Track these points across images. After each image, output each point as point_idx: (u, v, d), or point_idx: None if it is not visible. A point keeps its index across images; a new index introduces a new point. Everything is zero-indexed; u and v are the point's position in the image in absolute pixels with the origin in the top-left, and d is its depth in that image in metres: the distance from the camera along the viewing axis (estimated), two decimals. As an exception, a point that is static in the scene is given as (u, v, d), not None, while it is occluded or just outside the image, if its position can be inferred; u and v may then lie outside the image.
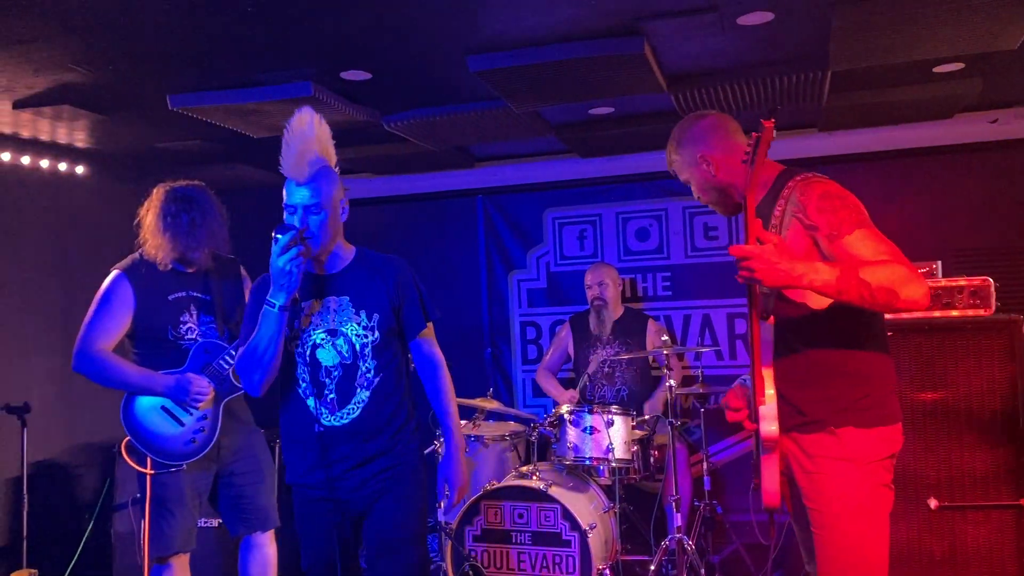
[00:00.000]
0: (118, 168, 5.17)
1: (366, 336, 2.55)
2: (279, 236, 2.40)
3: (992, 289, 3.49)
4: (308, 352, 2.55)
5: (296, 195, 2.49)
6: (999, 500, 3.41)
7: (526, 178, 5.57)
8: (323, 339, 2.55)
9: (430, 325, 2.71)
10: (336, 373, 2.54)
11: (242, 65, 3.50)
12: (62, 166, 4.85)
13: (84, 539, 4.58)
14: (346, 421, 2.53)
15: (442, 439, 2.86)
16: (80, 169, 4.97)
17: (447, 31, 3.21)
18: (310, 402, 2.54)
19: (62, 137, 4.48)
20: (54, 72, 3.42)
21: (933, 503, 3.44)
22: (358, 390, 2.54)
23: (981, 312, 3.47)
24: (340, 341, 2.55)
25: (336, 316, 2.56)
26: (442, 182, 5.68)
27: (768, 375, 2.08)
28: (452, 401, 2.75)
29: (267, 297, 2.44)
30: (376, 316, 2.56)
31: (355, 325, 2.55)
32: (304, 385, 2.56)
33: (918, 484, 3.47)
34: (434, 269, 5.81)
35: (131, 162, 5.10)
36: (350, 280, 2.59)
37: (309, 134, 2.50)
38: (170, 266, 3.12)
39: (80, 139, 4.54)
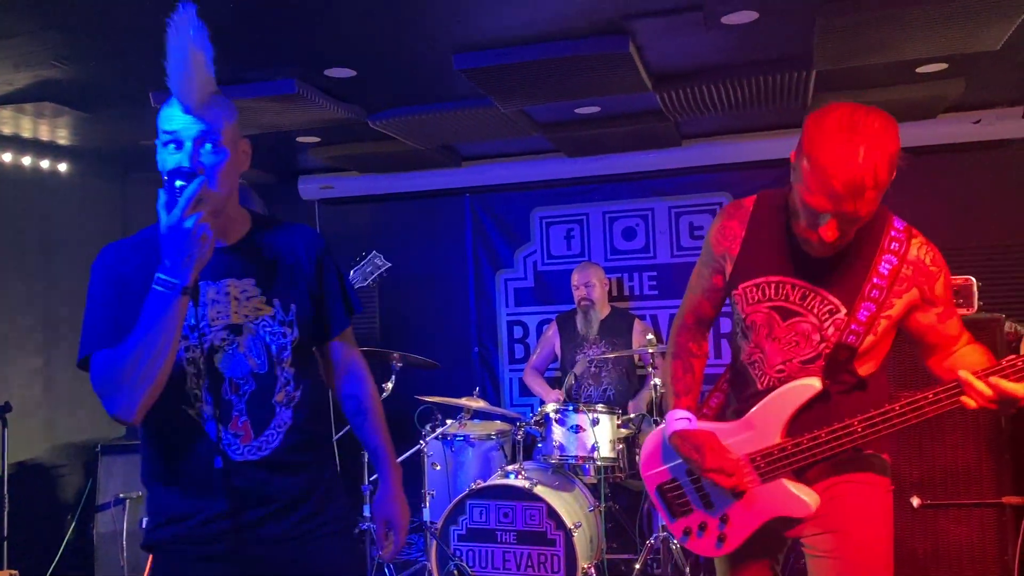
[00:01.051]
0: (101, 165, 5.13)
1: (284, 334, 1.86)
2: (178, 183, 1.66)
3: (975, 288, 3.51)
4: (203, 358, 1.79)
5: (181, 120, 1.76)
6: (981, 498, 3.43)
7: (513, 177, 5.56)
8: (224, 339, 1.81)
9: (351, 324, 2.08)
10: (246, 387, 1.82)
11: (225, 62, 3.46)
12: (44, 163, 4.81)
13: (65, 540, 4.54)
14: (265, 453, 1.81)
15: (377, 468, 2.09)
16: (63, 166, 4.93)
17: (433, 29, 3.21)
18: (209, 428, 1.79)
19: (44, 134, 4.44)
20: (35, 68, 3.39)
21: (916, 501, 3.46)
22: (278, 409, 1.84)
23: (964, 311, 3.49)
24: (248, 341, 1.83)
25: (240, 305, 1.83)
26: (429, 181, 5.67)
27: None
28: (384, 421, 2.10)
29: (158, 274, 1.65)
30: (294, 307, 1.88)
31: (268, 319, 1.85)
32: (201, 405, 1.79)
33: (901, 482, 3.49)
34: (421, 268, 5.80)
35: (115, 159, 5.06)
36: (252, 256, 1.88)
37: (198, 47, 1.83)
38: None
39: (62, 136, 4.51)
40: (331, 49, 3.39)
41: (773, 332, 1.99)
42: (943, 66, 3.81)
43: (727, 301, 2.17)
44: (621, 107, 4.37)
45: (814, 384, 1.94)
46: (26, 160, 4.70)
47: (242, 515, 1.80)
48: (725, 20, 3.15)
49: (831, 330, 1.92)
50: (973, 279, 3.52)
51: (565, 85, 3.71)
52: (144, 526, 1.91)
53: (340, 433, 4.22)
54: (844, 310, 1.91)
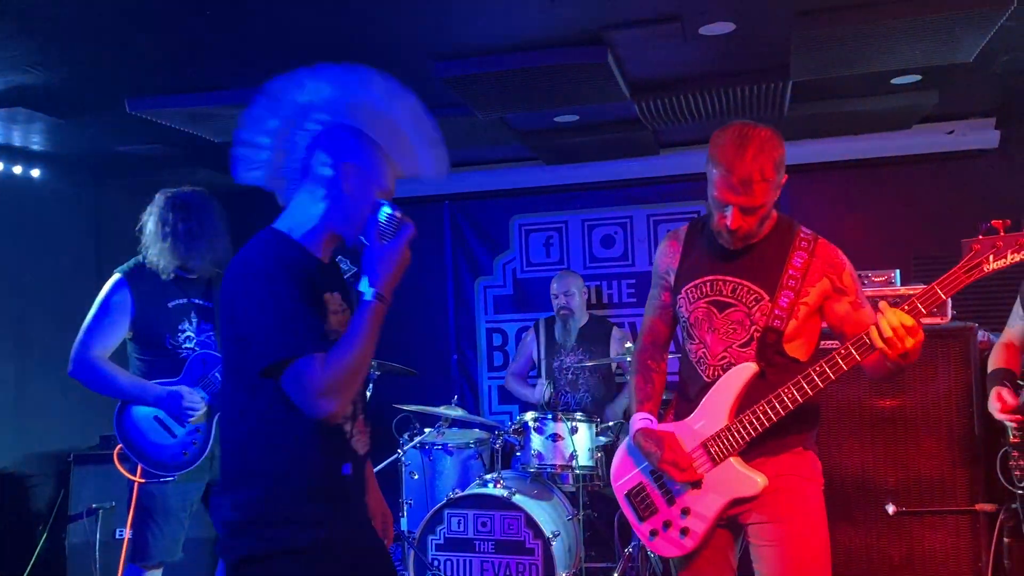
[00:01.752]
0: (76, 172, 5.07)
1: None
2: (392, 212, 1.97)
3: (948, 297, 3.55)
4: None
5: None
6: (955, 505, 3.46)
7: (493, 184, 5.57)
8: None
9: None
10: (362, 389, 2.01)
11: (201, 69, 3.46)
12: (17, 169, 4.75)
13: (37, 550, 4.47)
14: (363, 453, 1.99)
15: None
16: (36, 172, 4.87)
17: (412, 37, 3.20)
18: (347, 427, 1.92)
19: (17, 139, 4.39)
20: (8, 73, 3.36)
21: (891, 508, 3.49)
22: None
23: (937, 320, 3.52)
24: None
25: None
26: (409, 187, 5.64)
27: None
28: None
29: (367, 287, 1.87)
30: None
31: None
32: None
33: (876, 490, 3.51)
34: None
35: (89, 166, 5.01)
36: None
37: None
38: (172, 274, 3.08)
39: (36, 142, 4.45)
40: (310, 56, 3.37)
41: (713, 324, 2.29)
42: (917, 78, 3.86)
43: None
44: (600, 116, 4.38)
45: (750, 366, 2.22)
46: (-1, 165, 4.64)
47: (358, 515, 1.98)
48: (703, 31, 3.18)
49: (758, 315, 2.23)
50: (947, 288, 3.55)
51: (544, 94, 3.72)
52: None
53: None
54: (767, 297, 2.23)
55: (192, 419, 3.05)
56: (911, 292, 3.53)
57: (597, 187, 5.49)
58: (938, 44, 3.25)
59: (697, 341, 2.32)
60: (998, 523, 3.35)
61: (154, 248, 3.06)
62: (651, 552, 3.89)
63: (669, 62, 3.56)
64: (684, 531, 2.27)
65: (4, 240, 4.77)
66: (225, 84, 3.60)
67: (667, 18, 3.05)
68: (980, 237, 1.97)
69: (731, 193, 2.14)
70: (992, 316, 3.37)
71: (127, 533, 3.07)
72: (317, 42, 3.21)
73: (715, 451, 2.22)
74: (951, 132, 4.71)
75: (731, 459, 2.21)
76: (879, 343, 2.00)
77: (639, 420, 2.36)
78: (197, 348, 3.11)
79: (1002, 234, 1.95)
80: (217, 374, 3.08)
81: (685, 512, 2.27)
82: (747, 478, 2.20)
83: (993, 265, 1.96)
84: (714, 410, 2.24)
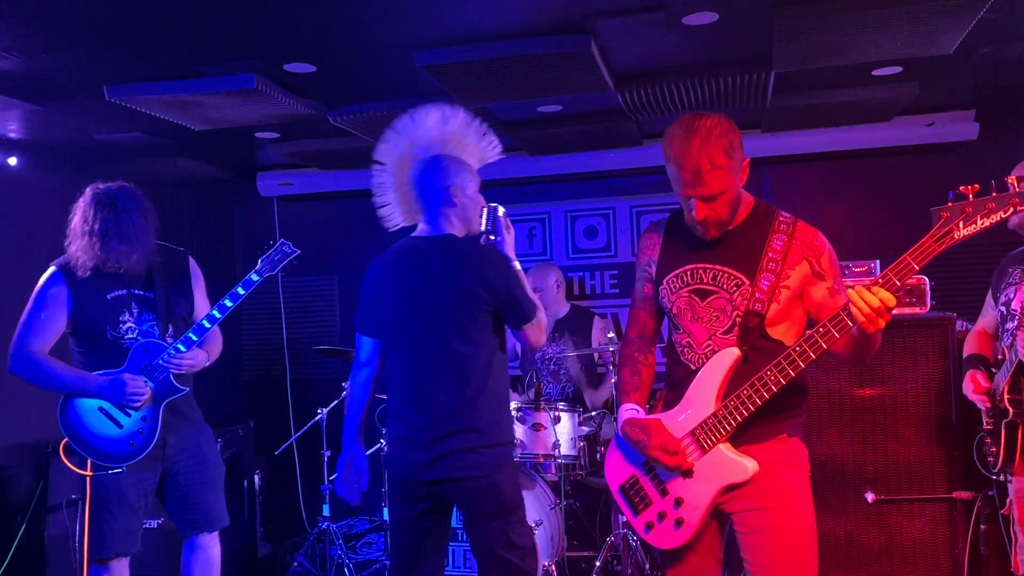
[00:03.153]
0: (54, 160, 5.01)
1: None
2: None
3: (927, 288, 3.59)
4: None
5: None
6: (933, 493, 3.50)
7: (475, 175, 5.54)
8: None
9: None
10: None
11: (183, 56, 3.42)
12: (-7, 157, 4.69)
13: (16, 542, 4.43)
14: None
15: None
16: (12, 160, 4.81)
17: (394, 24, 3.18)
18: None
19: (-7, 127, 4.33)
20: (-16, 59, 3.31)
21: (870, 496, 3.53)
22: None
23: (917, 310, 3.56)
24: None
25: None
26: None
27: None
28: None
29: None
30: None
31: None
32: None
33: (855, 478, 3.55)
34: (381, 266, 5.76)
35: (68, 154, 4.95)
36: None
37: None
38: (88, 273, 3.03)
39: (12, 129, 4.39)
40: (291, 44, 3.35)
41: (696, 312, 2.29)
42: (898, 69, 3.88)
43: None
44: (583, 106, 4.38)
45: (733, 351, 2.22)
46: (-25, 153, 4.58)
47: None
48: (686, 21, 3.18)
49: (739, 300, 2.23)
50: (926, 278, 3.59)
51: (527, 83, 3.71)
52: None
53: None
54: (748, 281, 2.23)
55: (137, 405, 3.01)
56: (891, 282, 3.57)
57: (580, 178, 5.49)
58: (918, 36, 3.26)
59: (682, 331, 2.33)
60: (975, 510, 3.40)
61: (75, 243, 3.04)
62: (634, 542, 3.92)
63: (653, 52, 3.56)
64: (679, 522, 2.26)
65: (-20, 229, 4.71)
66: (206, 72, 3.56)
67: (650, 7, 3.04)
68: (949, 204, 1.95)
69: (686, 187, 2.16)
70: (972, 307, 3.40)
71: (85, 530, 3.02)
72: (298, 30, 3.18)
73: (703, 439, 2.22)
74: (931, 124, 4.74)
75: (720, 446, 2.21)
76: (860, 318, 1.98)
77: (626, 411, 2.37)
78: (140, 338, 3.07)
79: (971, 199, 1.93)
80: (161, 362, 3.05)
81: (678, 502, 2.27)
82: (737, 464, 2.19)
83: (964, 231, 1.93)
84: (700, 398, 2.24)
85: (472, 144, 2.91)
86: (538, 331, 2.75)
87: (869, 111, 4.56)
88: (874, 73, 3.93)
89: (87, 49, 3.28)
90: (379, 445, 4.18)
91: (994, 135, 4.77)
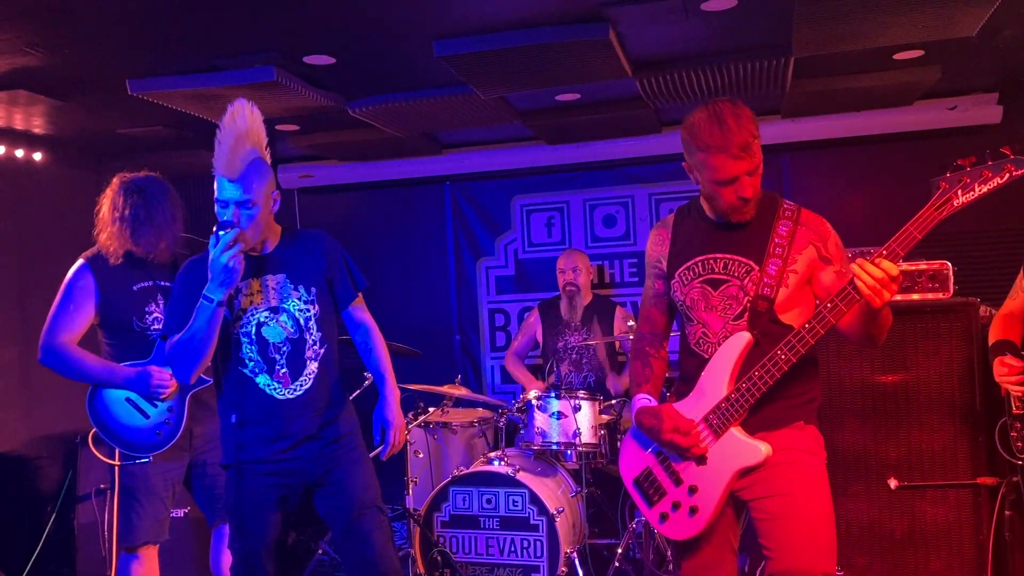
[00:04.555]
0: (78, 154, 5.08)
1: (308, 310, 2.65)
2: (221, 233, 2.45)
3: (950, 273, 3.55)
4: (253, 331, 2.61)
5: (227, 191, 2.52)
6: (957, 479, 3.48)
7: (494, 165, 5.55)
8: (267, 317, 2.62)
9: (360, 294, 2.82)
10: (285, 348, 2.62)
11: (203, 50, 3.45)
12: (19, 152, 4.75)
13: (46, 531, 4.51)
14: (300, 393, 2.62)
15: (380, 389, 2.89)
16: (38, 155, 4.87)
17: (412, 15, 3.19)
18: (261, 379, 2.61)
19: (19, 123, 4.39)
20: (9, 56, 3.35)
21: (893, 483, 3.51)
22: (307, 362, 2.64)
23: (940, 295, 3.53)
24: (284, 317, 2.63)
25: (276, 293, 2.64)
26: (409, 169, 5.65)
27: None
28: (387, 355, 2.86)
29: (204, 292, 2.47)
30: (314, 290, 2.66)
31: (296, 300, 2.64)
32: (252, 364, 2.61)
33: (878, 464, 3.54)
34: (402, 256, 5.79)
35: (91, 148, 5.01)
36: (284, 258, 2.67)
37: (241, 127, 2.54)
38: (121, 259, 3.08)
39: (37, 125, 4.45)
40: (310, 36, 3.37)
41: (709, 302, 2.31)
42: (919, 53, 3.84)
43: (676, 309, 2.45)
44: (601, 94, 4.37)
45: (744, 335, 2.24)
46: (0, 149, 4.64)
47: (288, 440, 2.61)
48: (704, 7, 3.16)
49: (749, 285, 2.25)
50: (949, 264, 3.56)
51: (545, 72, 3.71)
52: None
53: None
54: (756, 267, 2.25)
55: (163, 396, 3.06)
56: (912, 268, 3.55)
57: (598, 166, 5.49)
58: (940, 18, 3.23)
59: (696, 322, 2.34)
60: (999, 496, 3.38)
61: (105, 232, 3.08)
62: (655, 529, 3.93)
63: (671, 39, 3.55)
64: (693, 510, 2.26)
65: (7, 223, 4.78)
66: (226, 65, 3.59)
67: (668, -6, 3.04)
68: (948, 175, 2.05)
69: (735, 162, 2.16)
70: (995, 292, 3.37)
71: (114, 519, 3.09)
72: (317, 22, 3.20)
73: (716, 423, 2.23)
74: (953, 108, 4.69)
75: (733, 429, 2.22)
76: (865, 290, 2.01)
77: (638, 400, 2.39)
78: None
79: (968, 169, 2.04)
80: None
81: (692, 490, 2.27)
82: (750, 446, 2.20)
83: (962, 199, 2.04)
84: (712, 384, 2.25)
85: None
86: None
87: (890, 95, 4.52)
88: (895, 57, 3.90)
89: (109, 44, 3.31)
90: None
91: (1018, 118, 4.71)
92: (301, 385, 2.63)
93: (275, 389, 2.61)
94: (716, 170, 2.18)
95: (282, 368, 2.62)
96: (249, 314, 2.61)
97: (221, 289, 2.46)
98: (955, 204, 2.03)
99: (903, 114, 4.77)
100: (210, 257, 2.45)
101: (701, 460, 2.25)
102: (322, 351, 2.66)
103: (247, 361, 2.62)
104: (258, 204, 2.53)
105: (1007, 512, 3.37)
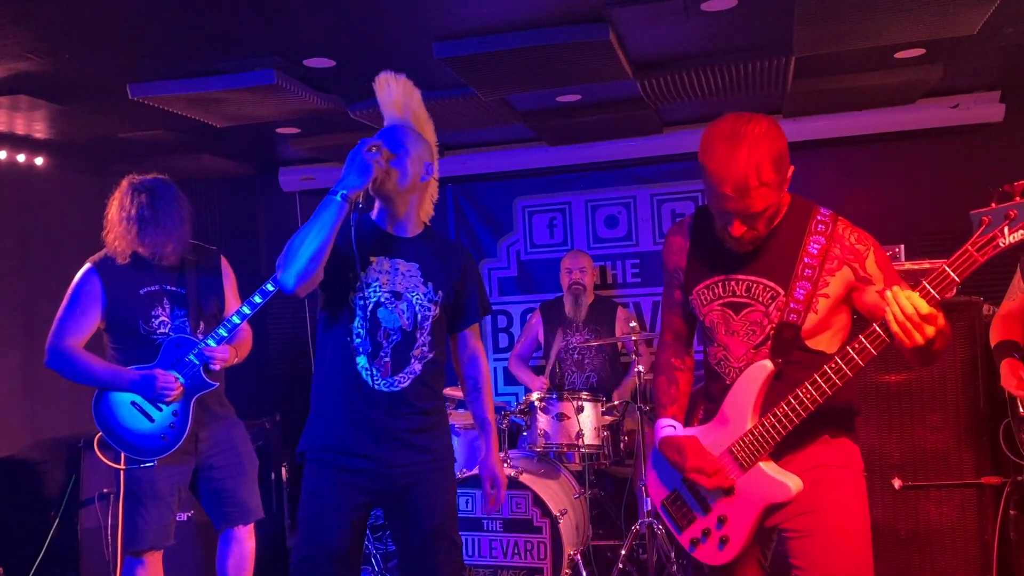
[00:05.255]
0: (79, 159, 5.08)
1: (429, 308, 2.46)
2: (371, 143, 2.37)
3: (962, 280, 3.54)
4: (371, 307, 2.41)
5: (392, 125, 2.53)
6: (961, 479, 3.47)
7: (495, 167, 5.55)
8: (387, 299, 2.43)
9: (479, 321, 2.67)
10: (394, 337, 2.42)
11: (204, 53, 3.45)
12: (20, 157, 4.75)
13: (50, 536, 4.51)
14: (396, 389, 2.41)
15: (483, 437, 2.71)
16: (39, 160, 4.88)
17: (412, 17, 3.19)
18: (360, 360, 2.40)
19: (20, 128, 4.39)
20: (10, 61, 3.35)
21: (897, 483, 3.50)
22: (412, 361, 2.44)
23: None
24: (403, 306, 2.44)
25: (404, 279, 2.46)
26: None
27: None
28: (491, 400, 2.70)
29: (335, 185, 2.28)
30: (441, 293, 2.49)
31: (420, 294, 2.46)
32: (359, 340, 2.41)
33: (882, 464, 3.53)
34: (403, 258, 5.78)
35: (93, 153, 5.01)
36: (420, 249, 2.51)
37: (414, 94, 2.62)
38: (128, 260, 3.09)
39: (39, 129, 4.45)
40: (310, 39, 3.37)
41: (730, 327, 2.13)
42: (921, 51, 3.83)
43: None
44: (602, 95, 4.37)
45: (766, 365, 2.05)
46: (2, 154, 4.64)
47: (378, 435, 2.39)
48: (705, 7, 3.16)
49: (773, 312, 2.05)
50: (951, 263, 3.54)
51: (546, 73, 3.70)
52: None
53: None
54: (782, 292, 2.04)
55: (168, 400, 3.06)
56: (916, 267, 3.55)
57: (600, 167, 5.48)
58: (941, 17, 3.22)
59: (717, 344, 2.17)
60: (1003, 495, 3.37)
61: (112, 232, 3.09)
62: (659, 531, 3.92)
63: (671, 39, 3.54)
64: (723, 540, 2.13)
65: (9, 228, 4.78)
66: (226, 68, 3.59)
67: (669, -6, 3.03)
68: (992, 205, 1.67)
69: (726, 202, 1.92)
70: (998, 291, 3.36)
71: (119, 523, 3.09)
72: (317, 25, 3.20)
73: (742, 457, 2.08)
74: (956, 106, 4.68)
75: (760, 464, 2.07)
76: (894, 328, 1.77)
77: (662, 427, 2.24)
78: (171, 333, 3.11)
79: (1018, 199, 1.65)
80: (192, 357, 3.09)
81: (722, 521, 2.14)
82: (779, 484, 2.05)
83: (1009, 239, 1.65)
84: (735, 415, 2.10)
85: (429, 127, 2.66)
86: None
87: (892, 94, 4.51)
88: (897, 56, 3.89)
89: (110, 49, 3.31)
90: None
91: (1020, 116, 4.70)
92: (399, 382, 2.41)
93: (372, 375, 2.39)
94: (711, 195, 1.98)
95: (386, 356, 2.41)
96: (372, 289, 2.42)
97: (351, 179, 2.26)
98: (1000, 244, 1.68)
99: (905, 113, 4.76)
100: (353, 150, 2.31)
101: (729, 491, 2.12)
102: (429, 356, 2.46)
103: (355, 335, 2.41)
104: (406, 153, 2.42)
105: (1012, 512, 3.37)
